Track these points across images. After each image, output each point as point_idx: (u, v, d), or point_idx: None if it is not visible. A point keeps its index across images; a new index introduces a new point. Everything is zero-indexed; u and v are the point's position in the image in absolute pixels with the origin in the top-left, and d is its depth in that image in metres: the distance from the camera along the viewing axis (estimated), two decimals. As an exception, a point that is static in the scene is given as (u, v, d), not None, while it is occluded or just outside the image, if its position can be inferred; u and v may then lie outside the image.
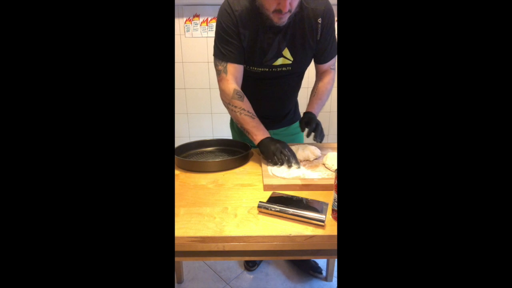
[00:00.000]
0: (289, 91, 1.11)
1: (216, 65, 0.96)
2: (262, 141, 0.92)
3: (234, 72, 0.94)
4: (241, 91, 0.95)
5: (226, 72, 0.94)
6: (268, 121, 1.05)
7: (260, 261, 1.46)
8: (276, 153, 0.87)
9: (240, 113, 0.94)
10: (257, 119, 0.95)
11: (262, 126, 0.95)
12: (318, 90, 1.06)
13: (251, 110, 0.95)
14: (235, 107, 0.94)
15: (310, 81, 1.14)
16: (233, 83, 0.94)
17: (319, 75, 1.09)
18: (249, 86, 1.00)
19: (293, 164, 0.85)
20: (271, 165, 0.87)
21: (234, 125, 1.22)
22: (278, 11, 0.83)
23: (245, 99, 0.95)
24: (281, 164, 0.85)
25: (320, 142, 0.96)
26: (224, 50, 0.92)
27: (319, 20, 0.93)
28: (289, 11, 0.83)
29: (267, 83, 1.03)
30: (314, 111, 1.02)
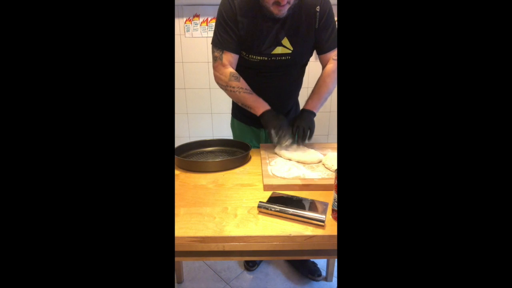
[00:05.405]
0: (289, 85, 1.11)
1: (213, 52, 1.02)
2: (263, 114, 0.99)
3: (229, 59, 1.00)
4: (236, 73, 1.00)
5: (221, 59, 1.00)
6: None
7: (260, 261, 1.46)
8: (272, 131, 0.96)
9: (239, 92, 1.00)
10: (254, 94, 1.02)
11: (261, 99, 1.02)
12: (317, 84, 1.07)
13: (248, 87, 1.02)
14: (233, 87, 1.00)
15: (311, 82, 1.14)
16: (228, 67, 1.01)
17: (323, 67, 1.09)
18: (249, 79, 1.02)
19: (285, 142, 0.94)
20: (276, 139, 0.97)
21: (235, 125, 1.22)
22: (277, 3, 0.85)
23: (241, 79, 1.00)
24: (277, 142, 0.96)
25: (301, 145, 0.98)
26: (222, 38, 0.97)
27: (317, 8, 0.95)
28: (288, 2, 0.85)
29: (268, 74, 1.04)
30: (309, 107, 1.03)
